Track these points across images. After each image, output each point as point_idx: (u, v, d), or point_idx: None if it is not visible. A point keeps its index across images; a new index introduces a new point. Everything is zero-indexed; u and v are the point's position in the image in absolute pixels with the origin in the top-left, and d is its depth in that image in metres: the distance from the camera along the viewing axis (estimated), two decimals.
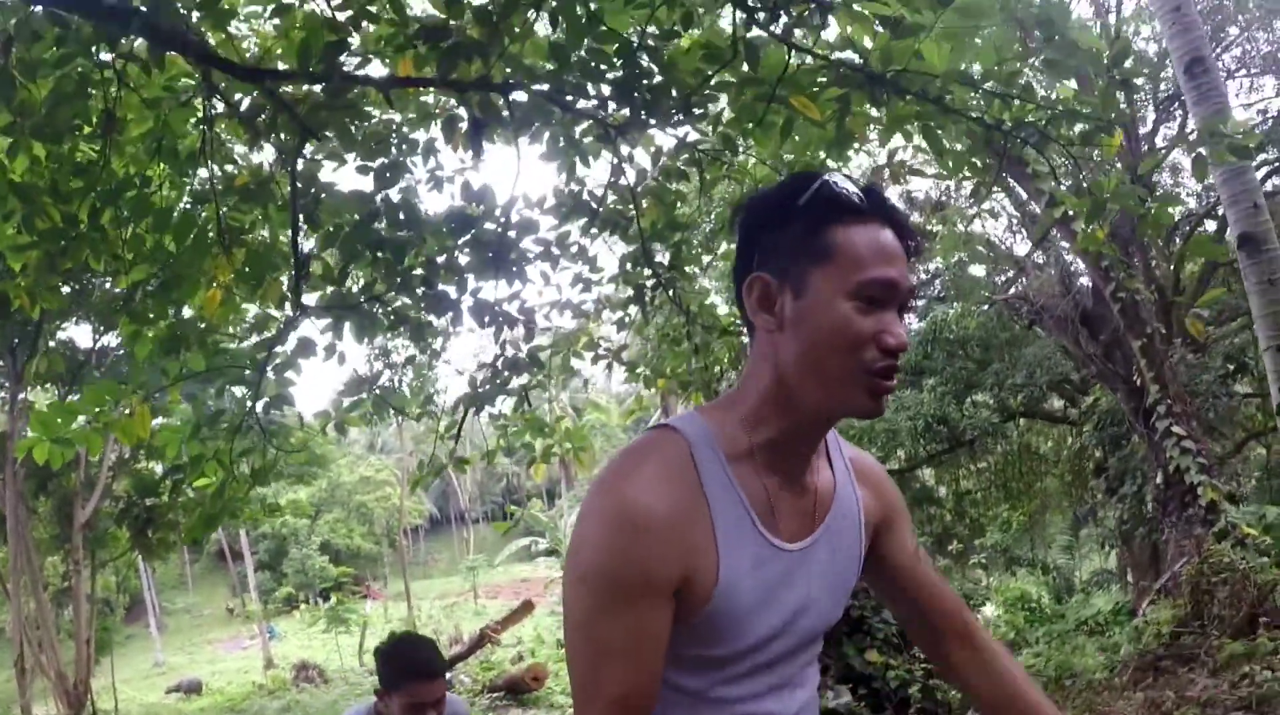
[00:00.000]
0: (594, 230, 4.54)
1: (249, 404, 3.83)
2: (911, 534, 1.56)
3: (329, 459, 38.97)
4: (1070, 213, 3.62)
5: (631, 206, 4.41)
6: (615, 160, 4.22)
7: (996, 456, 15.96)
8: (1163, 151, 10.04)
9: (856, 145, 3.93)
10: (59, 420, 3.43)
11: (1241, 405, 13.12)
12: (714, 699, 1.31)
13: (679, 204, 4.85)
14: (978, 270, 13.86)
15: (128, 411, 3.45)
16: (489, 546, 49.00)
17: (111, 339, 13.15)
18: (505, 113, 3.55)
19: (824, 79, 3.24)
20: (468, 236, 4.06)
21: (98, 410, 3.46)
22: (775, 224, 1.25)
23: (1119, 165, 6.00)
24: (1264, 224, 5.18)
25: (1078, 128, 3.36)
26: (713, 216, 6.93)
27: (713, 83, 3.35)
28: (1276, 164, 10.60)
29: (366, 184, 3.92)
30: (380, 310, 4.24)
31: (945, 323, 14.08)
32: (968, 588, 16.27)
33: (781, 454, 1.29)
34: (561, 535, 29.43)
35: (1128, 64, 3.50)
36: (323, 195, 3.75)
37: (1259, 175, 5.27)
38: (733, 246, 1.62)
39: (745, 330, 1.33)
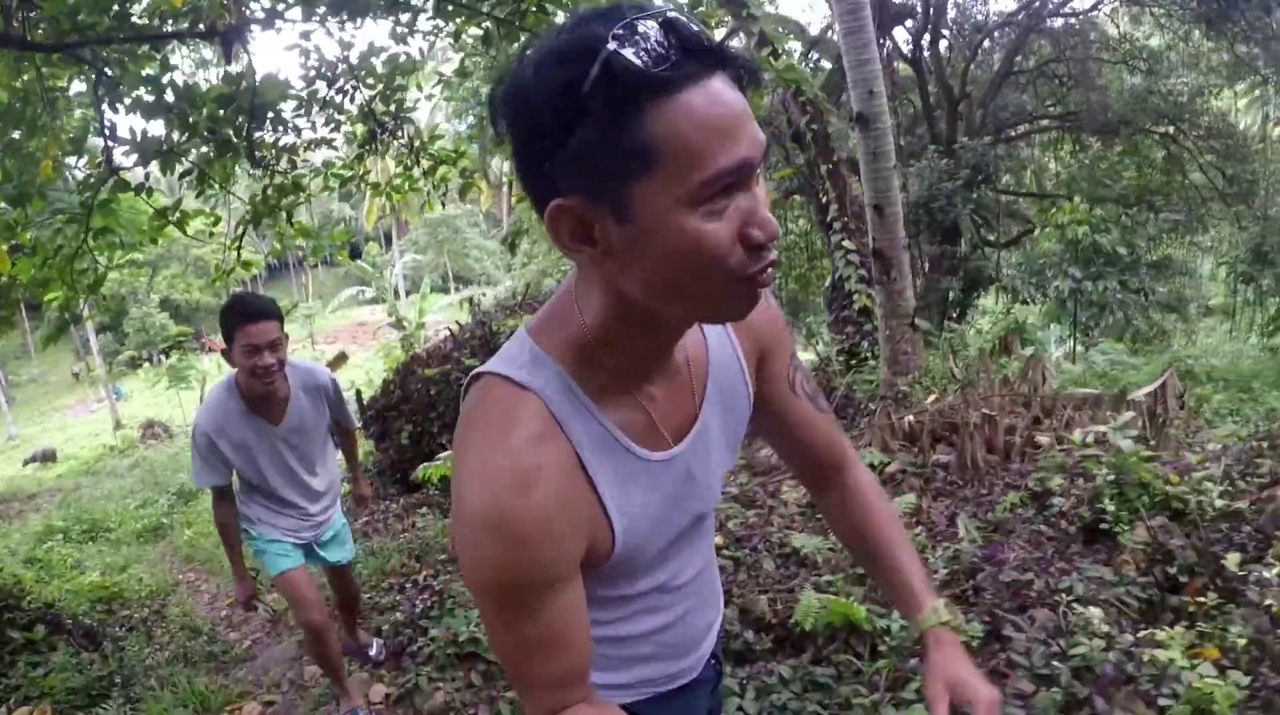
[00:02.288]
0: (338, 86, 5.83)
1: (82, 236, 5.12)
2: (792, 365, 1.42)
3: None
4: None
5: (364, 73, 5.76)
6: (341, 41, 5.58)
7: None
8: None
9: None
10: None
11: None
12: (635, 594, 1.29)
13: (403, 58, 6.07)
14: None
15: None
16: (328, 291, 49.48)
17: None
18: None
19: None
20: (231, 107, 5.30)
21: None
22: (560, 128, 0.90)
23: None
24: (877, 106, 6.71)
25: None
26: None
27: None
28: None
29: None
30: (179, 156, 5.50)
31: None
32: None
33: (644, 364, 1.16)
34: (386, 285, 30.71)
35: None
36: (121, 87, 4.92)
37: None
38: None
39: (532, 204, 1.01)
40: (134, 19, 4.85)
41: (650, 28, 0.88)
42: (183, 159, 5.32)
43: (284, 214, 6.14)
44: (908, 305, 7.05)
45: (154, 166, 5.42)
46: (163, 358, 43.19)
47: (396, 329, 25.48)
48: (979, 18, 16.80)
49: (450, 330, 8.92)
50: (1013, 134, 16.88)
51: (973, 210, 13.52)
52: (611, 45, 0.87)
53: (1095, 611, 3.02)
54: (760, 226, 0.95)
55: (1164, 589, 3.26)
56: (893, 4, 11.55)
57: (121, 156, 5.27)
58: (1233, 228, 16.87)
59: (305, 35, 5.53)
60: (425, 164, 6.61)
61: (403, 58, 5.91)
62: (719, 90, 0.90)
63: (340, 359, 21.70)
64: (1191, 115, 15.65)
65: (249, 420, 3.41)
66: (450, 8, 5.43)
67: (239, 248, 6.29)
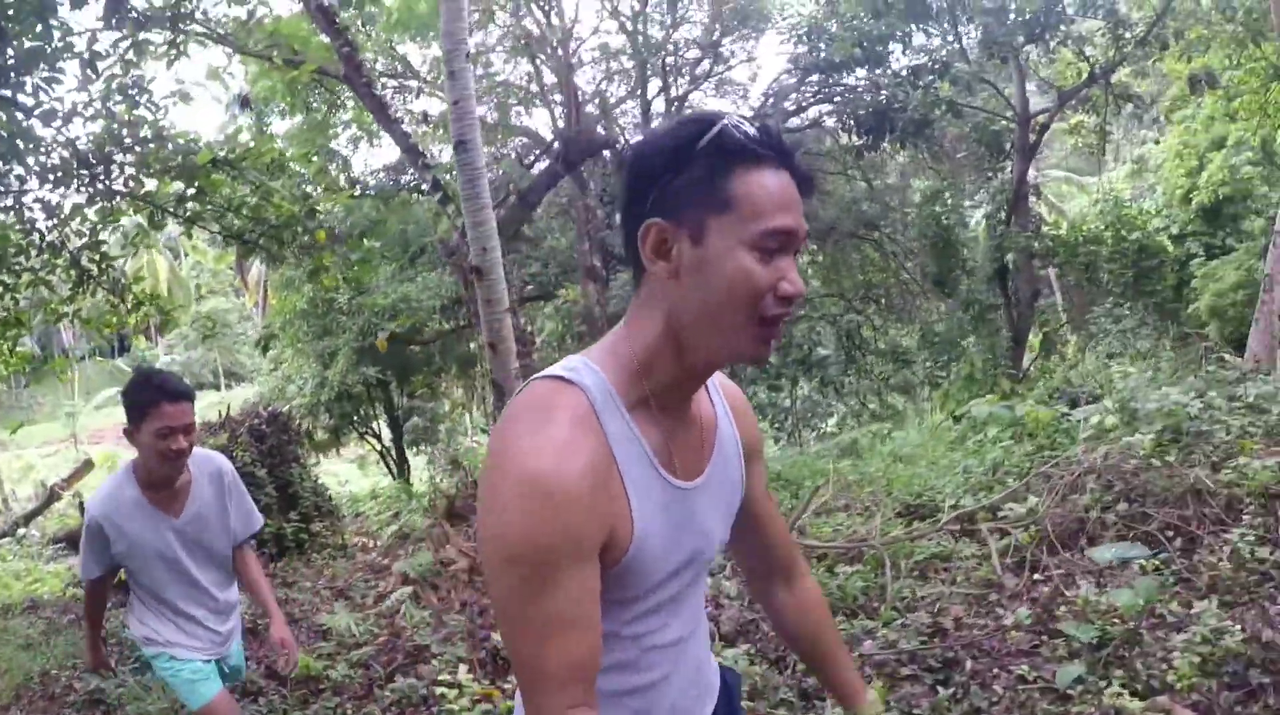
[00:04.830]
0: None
1: None
2: (764, 469, 1.58)
3: None
4: None
5: None
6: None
7: None
8: None
9: None
10: None
11: None
12: (626, 636, 1.34)
13: None
14: None
15: None
16: (94, 386, 47.07)
17: None
18: None
19: None
20: None
21: None
22: (671, 169, 1.23)
23: None
24: (491, 259, 7.64)
25: None
26: None
27: None
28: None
29: None
30: None
31: None
32: None
33: (674, 397, 1.32)
34: None
35: None
36: None
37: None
38: None
39: (633, 276, 1.31)
40: None
41: (751, 125, 1.24)
42: None
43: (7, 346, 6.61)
44: None
45: None
46: None
47: None
48: None
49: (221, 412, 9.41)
50: None
51: None
52: (725, 122, 1.22)
53: None
54: (791, 283, 1.23)
55: None
56: (581, 141, 12.79)
57: None
58: (941, 317, 18.84)
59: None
60: (130, 302, 7.29)
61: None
62: (786, 179, 1.24)
63: (87, 466, 20.52)
64: (901, 217, 17.27)
65: (144, 512, 3.04)
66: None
67: None
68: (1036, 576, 4.62)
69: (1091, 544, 4.83)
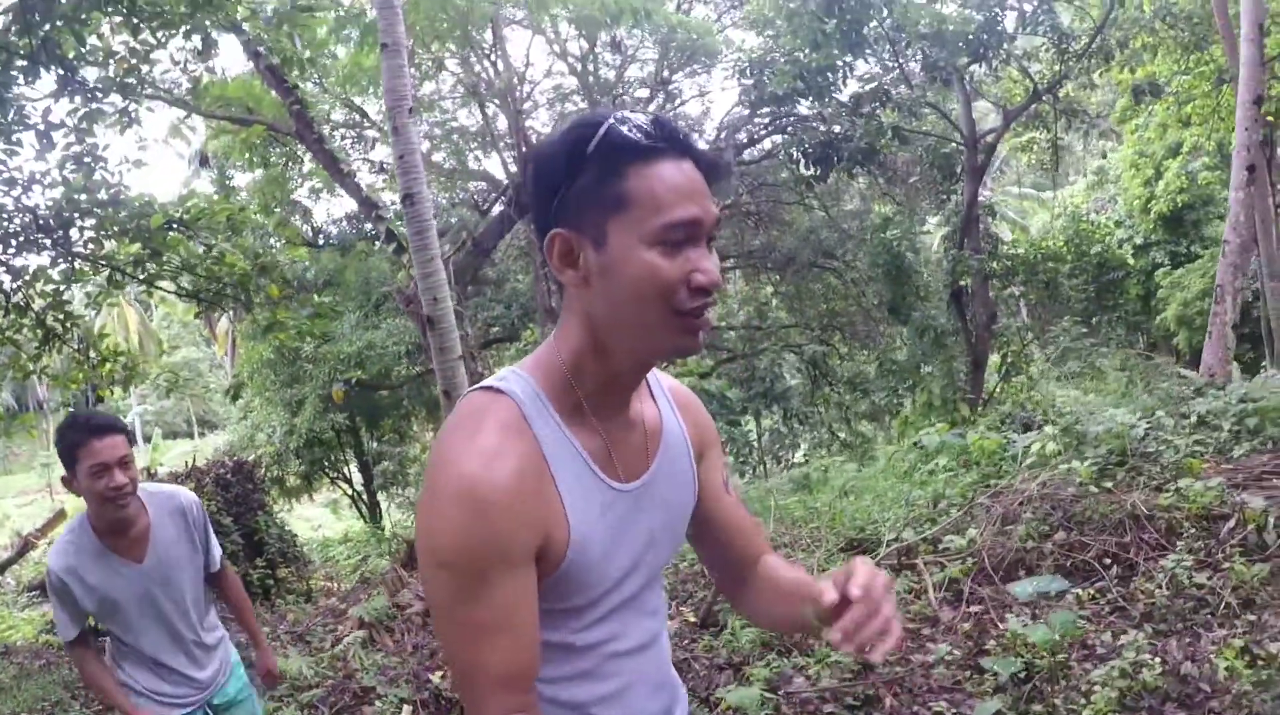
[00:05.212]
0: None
1: None
2: (722, 464, 1.56)
3: None
4: None
5: None
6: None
7: None
8: None
9: None
10: None
11: None
12: (582, 646, 1.33)
13: None
14: None
15: None
16: None
17: None
18: None
19: None
20: None
21: None
22: (567, 176, 1.22)
23: None
24: (442, 309, 7.79)
25: None
26: None
27: None
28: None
29: None
30: None
31: None
32: None
33: (609, 400, 1.31)
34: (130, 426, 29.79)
35: None
36: None
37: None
38: None
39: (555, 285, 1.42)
40: None
41: (642, 119, 1.22)
42: None
43: None
44: None
45: None
46: None
47: None
48: None
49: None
50: None
51: None
52: (611, 121, 1.21)
53: None
54: (704, 273, 1.20)
55: None
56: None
57: None
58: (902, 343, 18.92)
59: None
60: (95, 357, 7.56)
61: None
62: (685, 167, 1.22)
63: (59, 517, 20.48)
64: (859, 244, 17.21)
65: (105, 560, 2.86)
66: None
67: None
68: (974, 609, 4.69)
69: (1029, 574, 4.89)
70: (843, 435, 18.66)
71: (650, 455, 1.39)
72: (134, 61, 6.84)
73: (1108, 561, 4.77)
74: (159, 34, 6.80)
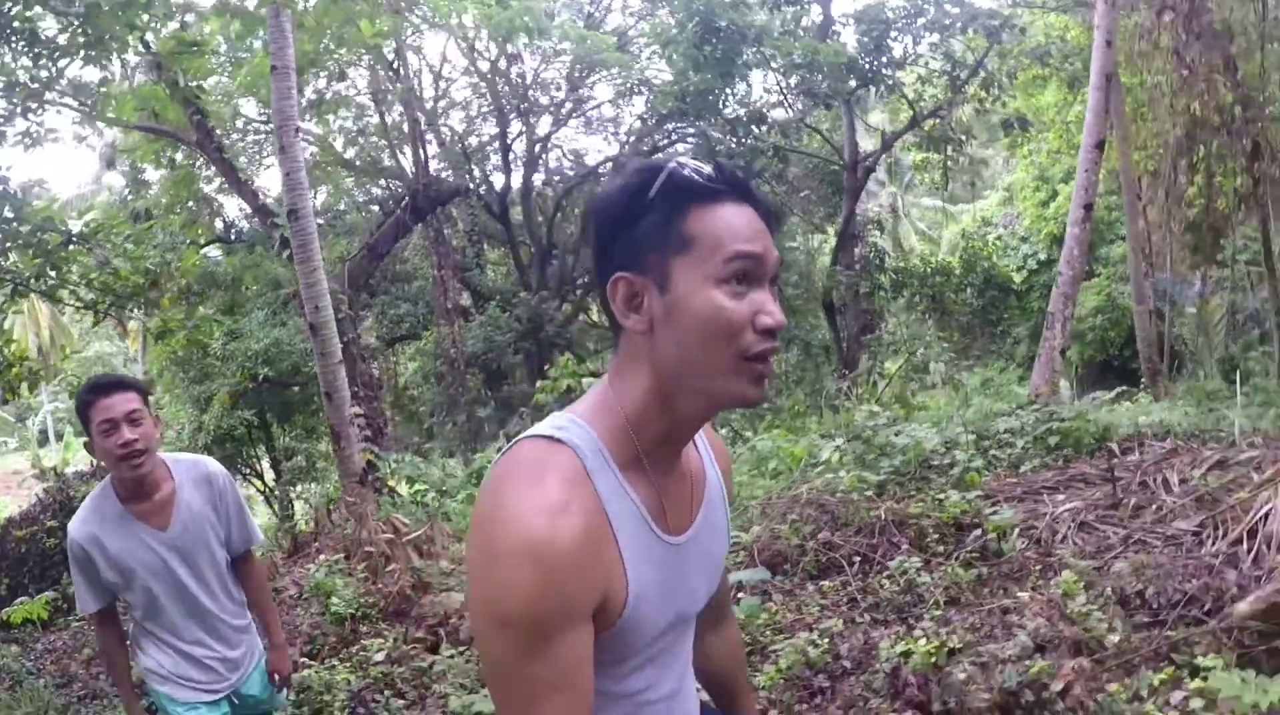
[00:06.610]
0: None
1: None
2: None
3: None
4: None
5: None
6: None
7: None
8: None
9: None
10: None
11: None
12: (619, 694, 1.32)
13: None
14: None
15: None
16: None
17: None
18: None
19: None
20: None
21: None
22: (629, 220, 1.22)
23: None
24: (324, 316, 8.19)
25: None
26: None
27: None
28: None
29: None
30: None
31: None
32: None
33: (665, 451, 1.29)
34: (30, 433, 29.78)
35: None
36: None
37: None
38: None
39: (612, 333, 1.28)
40: None
41: (703, 165, 1.24)
42: None
43: None
44: (356, 466, 8.78)
45: None
46: None
47: (40, 480, 24.56)
48: (569, 173, 19.16)
49: (38, 495, 9.85)
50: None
51: (528, 354, 15.77)
52: (673, 165, 1.22)
53: None
54: (769, 314, 1.19)
55: None
56: (431, 190, 13.61)
57: None
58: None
59: None
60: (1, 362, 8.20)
61: None
62: (746, 211, 1.22)
63: None
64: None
65: (129, 526, 2.83)
66: None
67: None
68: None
69: (793, 567, 5.54)
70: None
71: (695, 507, 1.38)
72: (36, 86, 7.44)
73: (856, 560, 5.43)
74: (59, 62, 7.40)
